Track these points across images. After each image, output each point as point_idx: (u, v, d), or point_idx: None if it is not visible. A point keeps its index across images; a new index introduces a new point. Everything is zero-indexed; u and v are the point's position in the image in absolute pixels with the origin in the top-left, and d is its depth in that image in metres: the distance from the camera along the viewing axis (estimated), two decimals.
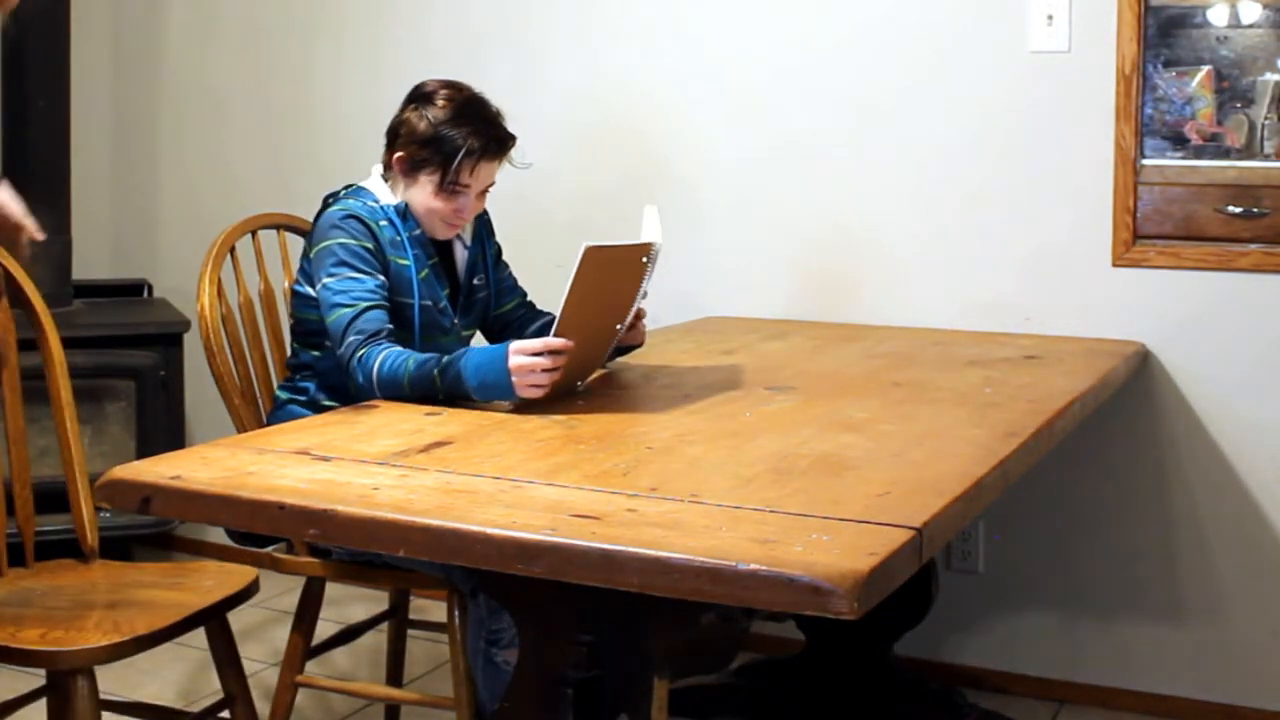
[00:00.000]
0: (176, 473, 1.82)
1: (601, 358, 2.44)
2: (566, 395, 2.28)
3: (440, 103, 2.47)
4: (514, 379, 2.15)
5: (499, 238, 2.72)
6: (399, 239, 2.48)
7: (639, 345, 2.59)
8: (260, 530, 1.78)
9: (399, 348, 2.31)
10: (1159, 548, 3.09)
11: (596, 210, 3.51)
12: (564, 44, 3.55)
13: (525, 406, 2.19)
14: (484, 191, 2.53)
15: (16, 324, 2.48)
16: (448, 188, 2.46)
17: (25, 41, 3.69)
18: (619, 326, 2.39)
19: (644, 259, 2.32)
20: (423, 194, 2.48)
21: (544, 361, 2.16)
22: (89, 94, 4.01)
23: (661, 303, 3.38)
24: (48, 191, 3.68)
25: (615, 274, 2.29)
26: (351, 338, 2.33)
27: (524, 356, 2.16)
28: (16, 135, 3.72)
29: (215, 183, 3.98)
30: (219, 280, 2.68)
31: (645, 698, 1.74)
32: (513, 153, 2.54)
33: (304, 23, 3.88)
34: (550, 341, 2.17)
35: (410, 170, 2.49)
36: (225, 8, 3.99)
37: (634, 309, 2.42)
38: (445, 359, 2.22)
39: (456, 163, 2.44)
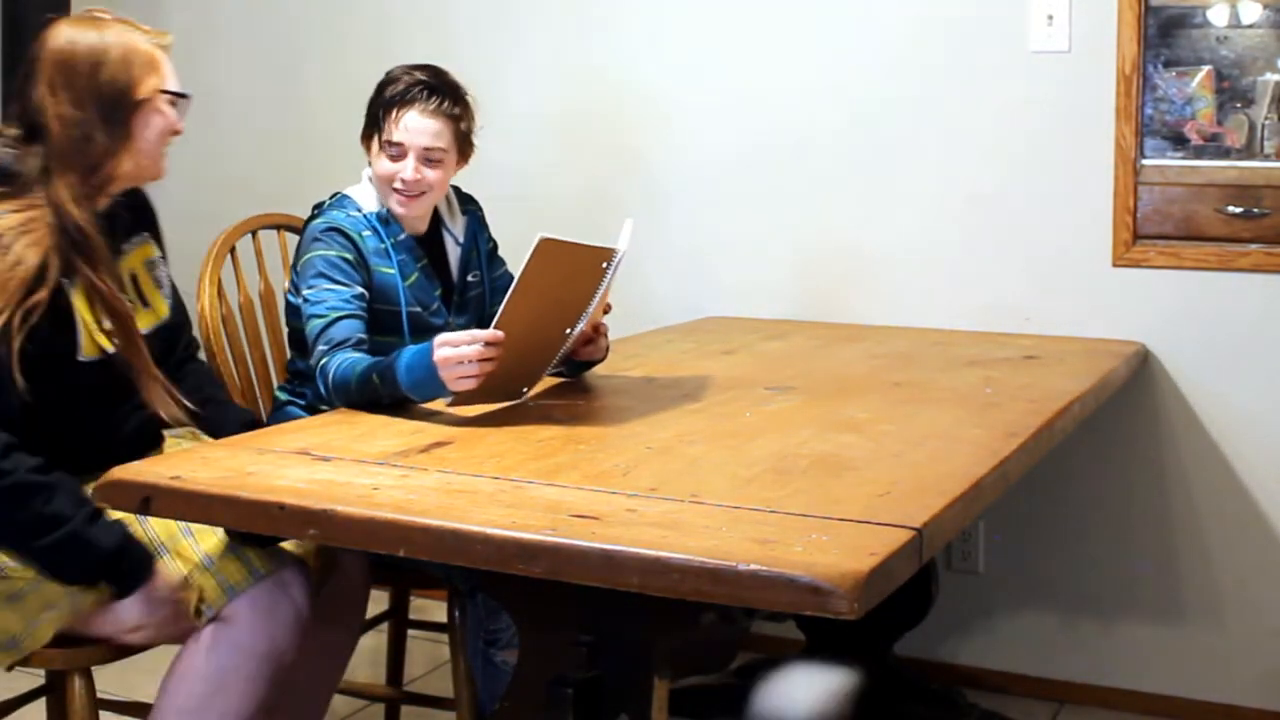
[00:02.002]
0: (176, 473, 1.82)
1: (547, 363, 2.29)
2: (511, 401, 2.22)
3: (394, 72, 2.49)
4: (441, 372, 2.07)
5: (497, 236, 2.71)
6: (383, 246, 2.46)
7: (600, 360, 2.46)
8: (260, 530, 1.78)
9: (356, 354, 2.26)
10: (1159, 548, 3.09)
11: (597, 211, 3.50)
12: (565, 44, 3.55)
13: (461, 403, 2.13)
14: (431, 158, 2.45)
15: None
16: (385, 145, 2.44)
17: (25, 42, 3.69)
18: (568, 332, 2.26)
19: (604, 264, 2.20)
20: (377, 164, 2.47)
21: (471, 352, 2.06)
22: None
23: (662, 303, 3.40)
24: None
25: (570, 274, 2.18)
26: (320, 347, 2.30)
27: (449, 348, 2.07)
28: None
29: (215, 183, 3.97)
30: (219, 280, 2.68)
31: (645, 698, 1.74)
32: (477, 124, 2.51)
33: (303, 23, 3.88)
34: (477, 333, 2.08)
35: (366, 143, 2.50)
36: (225, 8, 3.99)
37: (586, 317, 2.27)
38: (384, 361, 2.17)
39: (382, 110, 2.44)
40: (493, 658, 2.46)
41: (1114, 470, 3.11)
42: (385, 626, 2.90)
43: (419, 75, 2.46)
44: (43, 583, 2.05)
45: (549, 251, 2.06)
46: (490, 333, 2.08)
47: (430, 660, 3.31)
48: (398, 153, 2.44)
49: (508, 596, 1.89)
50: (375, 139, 2.47)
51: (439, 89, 2.46)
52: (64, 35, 2.13)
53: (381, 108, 2.46)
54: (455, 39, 3.62)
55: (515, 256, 2.76)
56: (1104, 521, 3.13)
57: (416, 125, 2.44)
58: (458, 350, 2.07)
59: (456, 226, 2.61)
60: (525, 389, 2.26)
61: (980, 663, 3.25)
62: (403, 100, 2.43)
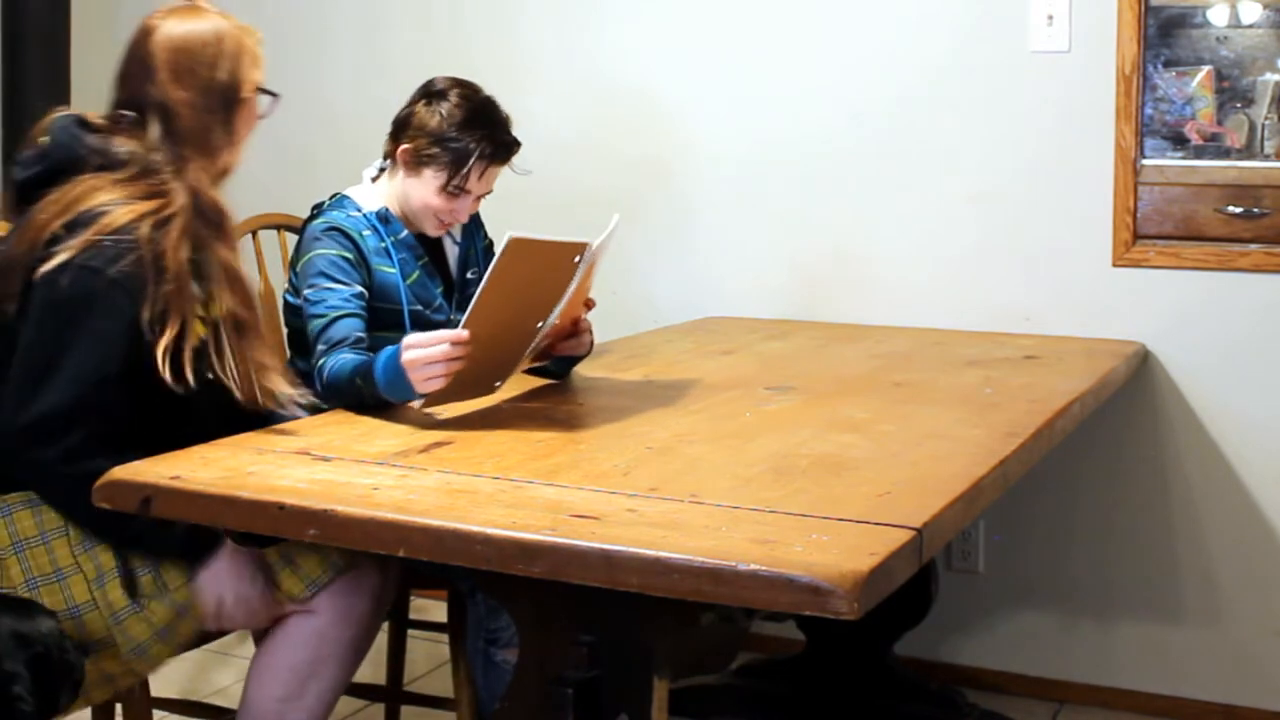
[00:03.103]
0: (176, 473, 1.82)
1: (519, 357, 2.29)
2: (484, 395, 2.23)
3: (454, 100, 2.46)
4: (409, 374, 2.07)
5: (499, 235, 2.70)
6: (383, 245, 2.46)
7: (584, 355, 2.46)
8: (260, 530, 1.78)
9: (349, 355, 2.27)
10: (1159, 548, 3.09)
11: (596, 210, 3.49)
12: (565, 43, 3.55)
13: (434, 403, 2.13)
14: (481, 195, 2.53)
15: None
16: (452, 189, 2.46)
17: (25, 43, 3.69)
18: (539, 325, 2.25)
19: (575, 259, 2.19)
20: (424, 189, 2.47)
21: (437, 352, 2.06)
22: (89, 95, 4.00)
23: (662, 303, 3.40)
24: None
25: (541, 270, 2.16)
26: (319, 347, 2.31)
27: (416, 350, 2.07)
28: (17, 135, 3.72)
29: None
30: None
31: (645, 698, 1.74)
32: (514, 158, 2.54)
33: (302, 23, 3.87)
34: (443, 334, 2.09)
35: (416, 164, 2.47)
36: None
37: (559, 310, 2.25)
38: (366, 362, 2.17)
39: (467, 167, 2.44)
40: (493, 658, 2.46)
41: (1114, 470, 3.11)
42: (385, 626, 2.89)
43: (490, 129, 2.46)
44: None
45: (519, 250, 2.05)
46: (456, 333, 2.08)
47: (430, 660, 3.31)
48: (464, 195, 2.47)
49: (508, 596, 1.89)
50: (439, 174, 2.45)
51: (513, 143, 2.50)
52: (178, 27, 2.16)
53: (462, 155, 2.43)
54: (457, 39, 3.62)
55: None
56: (1104, 521, 3.13)
57: (492, 176, 2.50)
58: (425, 352, 2.07)
59: (455, 228, 2.61)
60: (498, 383, 2.26)
61: (980, 663, 3.25)
62: (492, 159, 2.46)
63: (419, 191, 2.48)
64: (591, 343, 2.46)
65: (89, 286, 1.99)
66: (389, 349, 2.14)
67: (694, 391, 2.39)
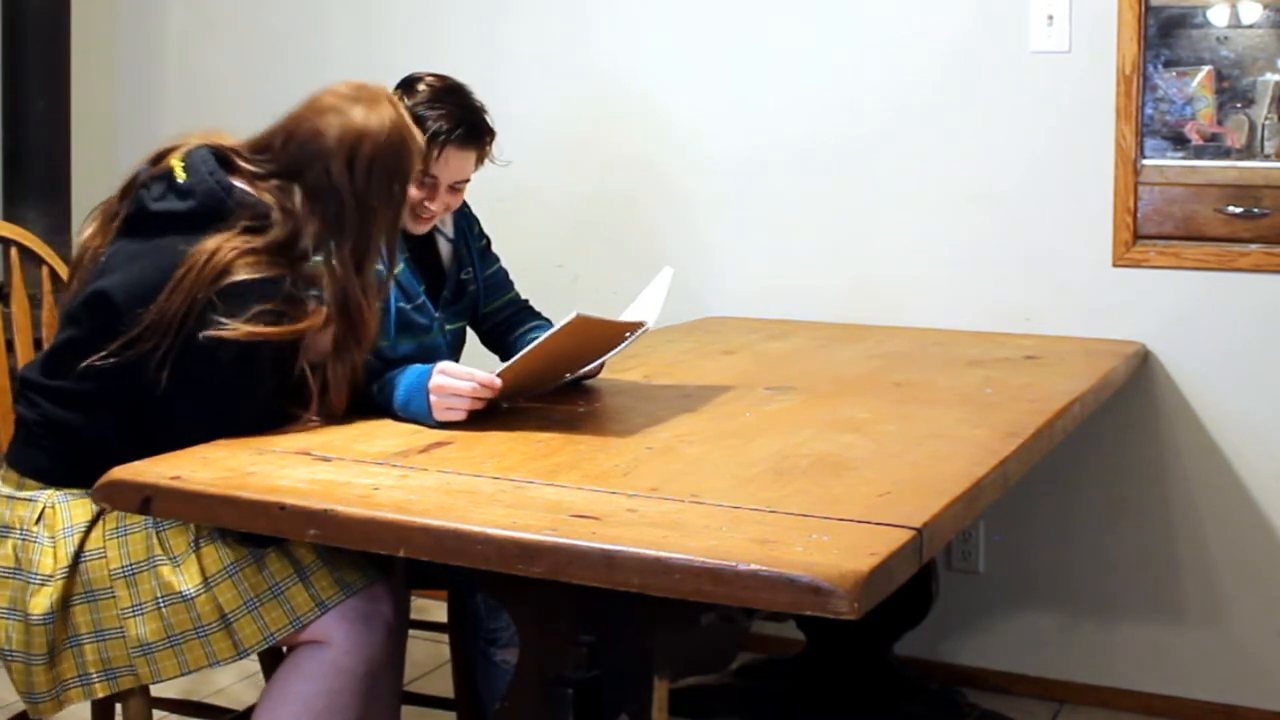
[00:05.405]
0: (176, 473, 1.82)
1: (533, 391, 2.31)
2: (492, 411, 2.21)
3: (421, 89, 2.41)
4: (432, 397, 2.08)
5: (498, 236, 2.70)
6: None
7: (594, 375, 2.47)
8: (260, 530, 1.78)
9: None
10: (1159, 548, 3.09)
11: (596, 209, 3.51)
12: (565, 41, 3.55)
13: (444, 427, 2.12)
14: (457, 187, 2.44)
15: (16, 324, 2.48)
16: (420, 176, 2.37)
17: (25, 42, 3.69)
18: (568, 376, 2.32)
19: (627, 334, 2.23)
20: None
21: (465, 388, 2.08)
22: (89, 94, 4.01)
23: (663, 302, 3.39)
24: (48, 192, 3.68)
25: (590, 340, 2.22)
26: None
27: (447, 378, 2.09)
28: (16, 135, 3.72)
29: None
30: None
31: (645, 698, 1.74)
32: (494, 151, 2.47)
33: (301, 23, 3.87)
34: (477, 374, 2.11)
35: None
36: (225, 8, 3.99)
37: (592, 366, 2.34)
38: (387, 375, 2.17)
39: (427, 145, 2.35)
40: (493, 657, 2.46)
41: (1114, 470, 3.11)
42: None
43: (455, 109, 2.40)
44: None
45: (579, 326, 2.09)
46: (488, 378, 2.10)
47: (430, 660, 3.31)
48: (431, 183, 2.40)
49: (508, 596, 1.89)
50: None
51: (481, 125, 2.42)
52: (361, 117, 2.15)
53: (426, 137, 2.35)
54: (456, 36, 3.62)
55: (510, 254, 2.77)
56: (1104, 522, 3.13)
57: (459, 162, 2.41)
58: (453, 383, 2.09)
59: (446, 224, 2.59)
60: (505, 405, 2.28)
61: (980, 663, 3.25)
62: (450, 139, 2.37)
63: None
64: (603, 366, 2.46)
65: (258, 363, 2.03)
66: (417, 369, 2.14)
67: (694, 391, 2.39)
